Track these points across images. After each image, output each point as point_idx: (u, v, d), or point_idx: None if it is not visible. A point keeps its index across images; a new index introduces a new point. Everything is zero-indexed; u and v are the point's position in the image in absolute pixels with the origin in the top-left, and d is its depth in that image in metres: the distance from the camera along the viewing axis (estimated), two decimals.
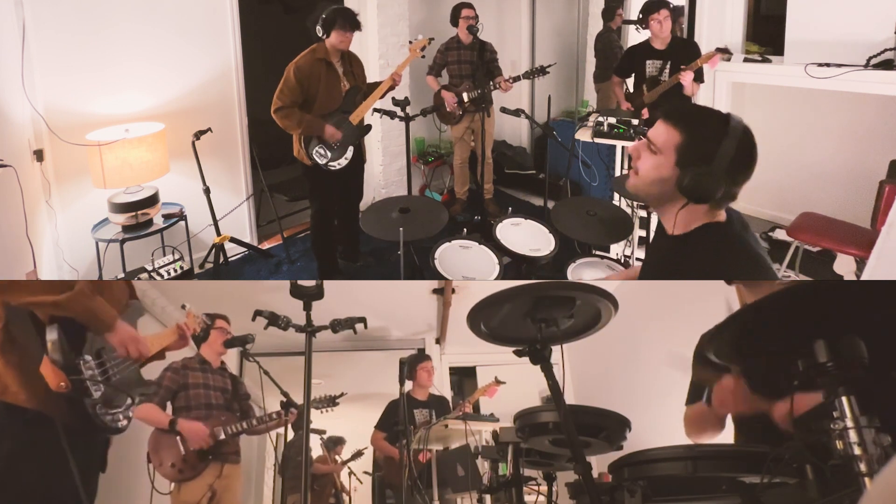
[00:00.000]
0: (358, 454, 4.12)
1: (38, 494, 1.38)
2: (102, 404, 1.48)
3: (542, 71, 4.21)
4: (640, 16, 4.11)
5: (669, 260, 1.48)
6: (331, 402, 3.12)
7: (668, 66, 4.07)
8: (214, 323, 2.83)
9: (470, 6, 4.74)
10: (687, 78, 3.85)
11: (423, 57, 4.19)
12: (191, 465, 2.53)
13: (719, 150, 1.31)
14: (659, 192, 1.42)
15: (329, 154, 3.66)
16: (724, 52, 3.89)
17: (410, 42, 3.90)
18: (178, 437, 2.55)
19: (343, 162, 3.72)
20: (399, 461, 3.23)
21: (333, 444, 4.17)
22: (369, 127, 3.89)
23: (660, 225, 1.53)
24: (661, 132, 1.39)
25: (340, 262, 4.23)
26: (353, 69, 3.74)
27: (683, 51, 4.01)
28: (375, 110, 3.80)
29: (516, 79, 4.41)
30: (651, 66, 4.15)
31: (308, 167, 3.74)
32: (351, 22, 3.48)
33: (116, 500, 2.50)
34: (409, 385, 3.51)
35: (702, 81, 4.07)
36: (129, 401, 1.58)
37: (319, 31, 3.48)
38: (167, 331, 1.91)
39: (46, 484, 1.39)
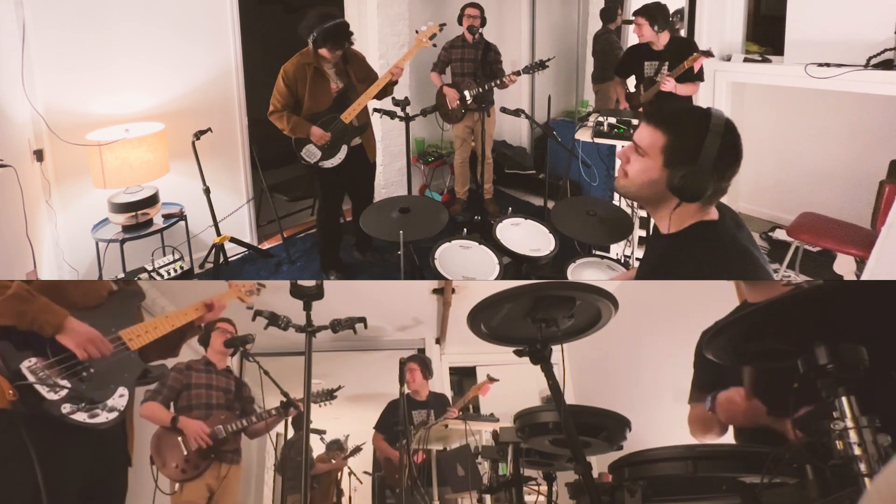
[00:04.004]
0: (357, 450, 4.12)
1: (30, 489, 1.35)
2: (69, 402, 1.42)
3: (542, 65, 4.22)
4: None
5: (663, 259, 1.49)
6: (328, 395, 3.12)
7: (664, 67, 4.09)
8: (216, 325, 2.83)
9: (475, 6, 4.74)
10: (668, 85, 3.92)
11: (435, 45, 4.17)
12: (193, 464, 2.55)
13: (704, 148, 1.31)
14: (650, 194, 1.43)
15: (319, 153, 3.67)
16: (707, 55, 3.91)
17: (417, 31, 3.85)
18: (179, 438, 2.56)
19: (335, 161, 3.72)
20: (398, 462, 3.23)
21: (333, 446, 4.16)
22: (364, 127, 3.83)
23: (655, 224, 1.54)
24: (646, 135, 1.39)
25: (355, 255, 4.36)
26: (349, 68, 3.70)
27: (679, 51, 4.03)
28: (375, 110, 3.80)
29: (517, 73, 4.43)
30: (648, 67, 4.18)
31: (310, 165, 3.77)
32: (339, 42, 3.49)
33: None
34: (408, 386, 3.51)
35: (701, 80, 4.08)
36: (118, 391, 1.53)
37: (311, 43, 3.51)
38: (189, 307, 1.86)
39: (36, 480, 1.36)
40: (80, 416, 1.43)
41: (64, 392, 1.42)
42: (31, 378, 1.40)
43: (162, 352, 1.82)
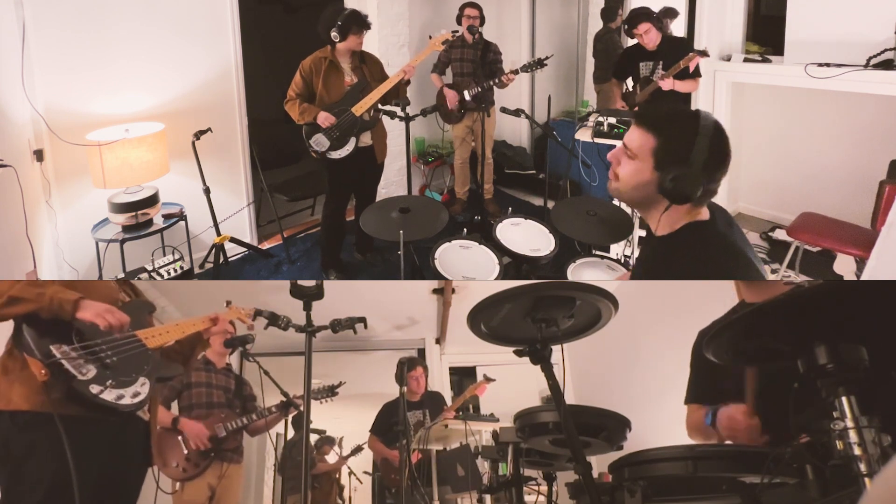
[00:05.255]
0: (358, 449, 4.12)
1: (46, 487, 1.42)
2: (97, 383, 1.47)
3: (540, 63, 4.22)
4: (626, 27, 4.23)
5: (656, 261, 1.49)
6: (330, 391, 3.11)
7: (659, 66, 4.12)
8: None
9: (474, 6, 4.74)
10: (666, 84, 3.94)
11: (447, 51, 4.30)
12: (194, 463, 2.56)
13: (693, 150, 1.32)
14: (641, 197, 1.44)
15: (327, 143, 3.70)
16: (703, 55, 3.93)
17: (430, 37, 3.92)
18: (180, 437, 2.56)
19: (343, 153, 3.74)
20: (395, 462, 3.23)
21: (322, 443, 4.16)
22: (374, 121, 3.87)
23: (648, 227, 1.54)
24: (636, 137, 1.40)
25: (356, 256, 4.38)
26: (365, 66, 3.80)
27: (674, 50, 4.05)
28: (375, 111, 3.80)
29: (515, 72, 4.43)
30: (644, 68, 4.21)
31: (323, 158, 3.80)
32: (362, 23, 3.67)
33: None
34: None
35: (698, 76, 4.08)
36: (140, 380, 1.58)
37: (336, 36, 3.60)
38: (200, 317, 1.93)
39: (54, 478, 1.43)
40: (109, 397, 1.48)
41: (92, 374, 1.48)
42: (59, 356, 1.46)
43: (185, 358, 1.93)
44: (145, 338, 1.67)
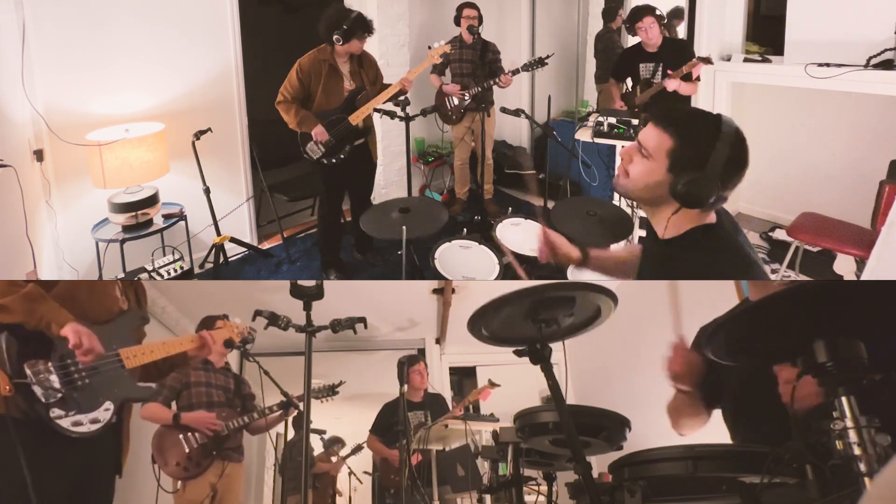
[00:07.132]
0: (358, 448, 4.12)
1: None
2: (58, 408, 1.46)
3: (541, 62, 4.20)
4: (627, 24, 4.22)
5: (661, 265, 1.47)
6: (330, 391, 3.10)
7: (660, 68, 4.11)
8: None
9: (472, 6, 4.74)
10: (672, 84, 3.93)
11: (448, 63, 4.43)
12: (195, 462, 2.55)
13: (712, 155, 1.29)
14: (651, 197, 1.41)
15: (322, 150, 3.68)
16: (706, 62, 3.92)
17: (430, 47, 3.89)
18: (181, 436, 2.56)
19: (336, 159, 3.73)
20: (395, 462, 3.23)
21: (332, 443, 4.16)
22: (368, 129, 3.86)
23: (650, 228, 1.52)
24: (652, 136, 1.36)
25: (355, 256, 4.36)
26: (363, 70, 3.76)
27: (675, 52, 4.05)
28: (375, 110, 3.80)
29: (515, 72, 4.41)
30: (644, 69, 4.19)
31: (316, 160, 3.78)
32: (369, 29, 3.63)
33: (119, 501, 2.51)
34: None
35: (698, 80, 4.08)
36: (105, 404, 1.56)
37: (338, 38, 3.52)
38: (185, 336, 1.90)
39: (10, 488, 1.39)
40: (65, 423, 1.47)
41: (56, 397, 1.47)
42: (31, 378, 1.44)
43: (161, 376, 1.90)
44: (126, 357, 1.64)
